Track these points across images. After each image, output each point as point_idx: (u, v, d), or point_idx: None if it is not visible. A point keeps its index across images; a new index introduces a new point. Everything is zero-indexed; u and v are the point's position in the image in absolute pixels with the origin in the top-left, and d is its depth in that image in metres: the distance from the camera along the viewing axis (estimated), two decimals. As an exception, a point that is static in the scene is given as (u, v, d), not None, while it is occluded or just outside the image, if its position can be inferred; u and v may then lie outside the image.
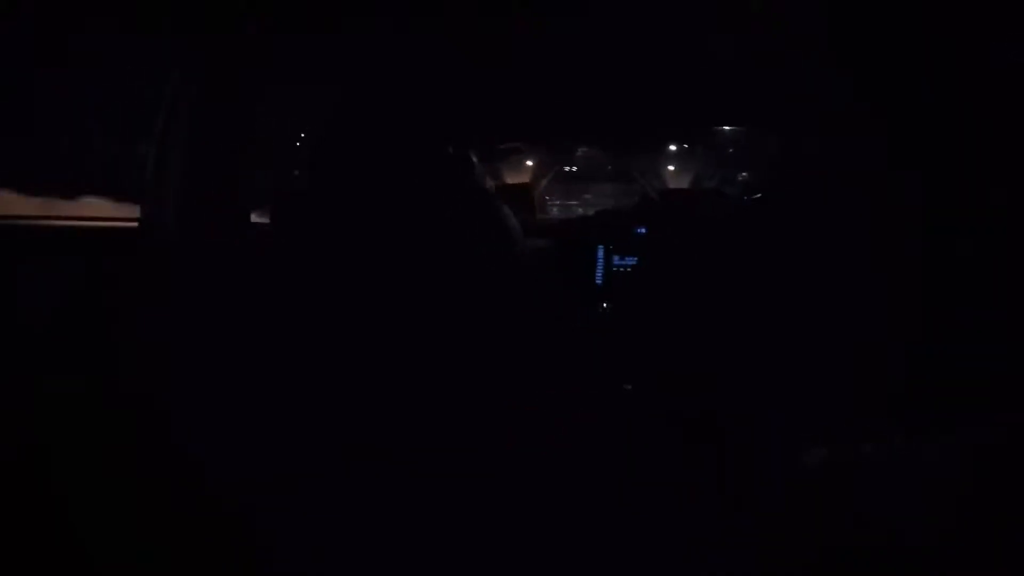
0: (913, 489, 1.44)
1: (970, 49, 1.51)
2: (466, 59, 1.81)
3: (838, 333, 1.52)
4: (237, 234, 2.34)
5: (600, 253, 3.27)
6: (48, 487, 1.87)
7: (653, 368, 1.72)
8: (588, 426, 1.72)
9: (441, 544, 1.57)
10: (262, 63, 2.35)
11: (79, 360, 2.02)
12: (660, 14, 2.14)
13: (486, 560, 1.59)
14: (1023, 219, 1.46)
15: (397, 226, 1.69)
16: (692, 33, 2.21)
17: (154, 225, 2.33)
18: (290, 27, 2.28)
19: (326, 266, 1.70)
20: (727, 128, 3.96)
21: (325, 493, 1.58)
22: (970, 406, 1.44)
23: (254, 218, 2.48)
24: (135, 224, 2.39)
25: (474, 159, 3.62)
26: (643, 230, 3.26)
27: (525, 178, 4.63)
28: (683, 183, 5.71)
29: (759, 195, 1.71)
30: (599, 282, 3.26)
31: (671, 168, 5.99)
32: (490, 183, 4.26)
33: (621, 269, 3.23)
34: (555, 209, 7.37)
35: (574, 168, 9.08)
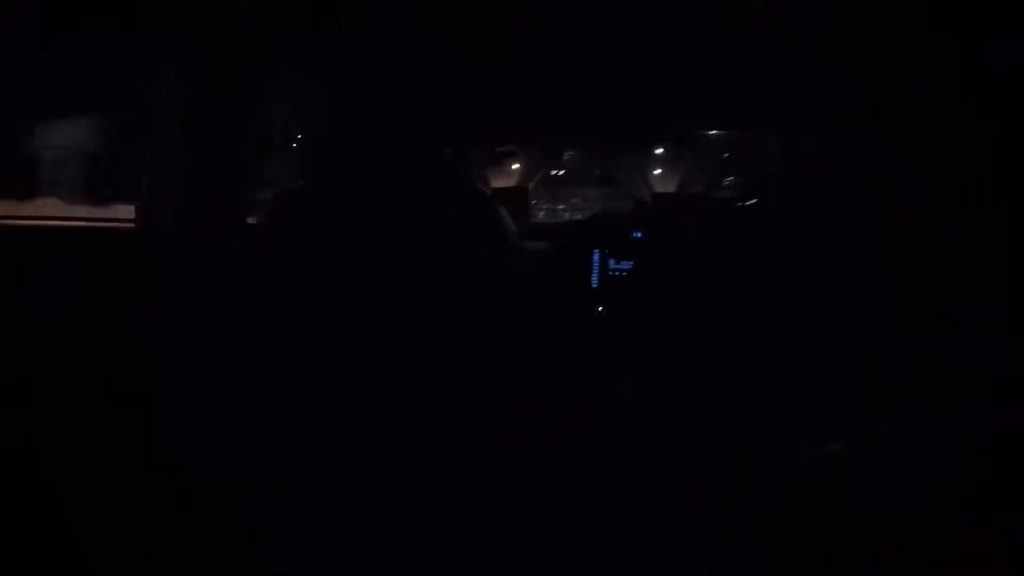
0: (913, 489, 1.41)
1: (970, 49, 1.47)
2: (466, 60, 1.75)
3: (838, 333, 1.49)
4: (236, 234, 2.31)
5: (596, 257, 3.23)
6: (48, 487, 1.85)
7: (653, 369, 1.68)
8: (588, 426, 1.69)
9: (441, 544, 1.53)
10: (261, 63, 2.33)
11: (79, 360, 2.00)
12: (660, 14, 2.13)
13: (486, 560, 1.55)
14: (1023, 219, 1.43)
15: (396, 227, 1.65)
16: (692, 33, 2.20)
17: (152, 225, 2.31)
18: (288, 27, 2.26)
19: (325, 266, 1.65)
20: (713, 132, 3.92)
21: (325, 493, 1.54)
22: (970, 406, 1.40)
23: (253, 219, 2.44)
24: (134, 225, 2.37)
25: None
26: (639, 234, 3.21)
27: (511, 181, 4.59)
28: (669, 187, 5.66)
29: (753, 200, 1.66)
30: (594, 286, 3.21)
31: (657, 172, 5.94)
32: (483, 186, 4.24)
33: (617, 273, 3.19)
34: (542, 213, 7.32)
35: (561, 172, 9.02)
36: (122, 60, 2.63)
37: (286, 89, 2.81)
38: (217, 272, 2.00)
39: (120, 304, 2.06)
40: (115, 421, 1.89)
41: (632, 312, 1.85)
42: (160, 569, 1.72)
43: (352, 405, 1.58)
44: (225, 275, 1.93)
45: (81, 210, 2.75)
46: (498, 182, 4.38)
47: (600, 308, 3.09)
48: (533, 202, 6.07)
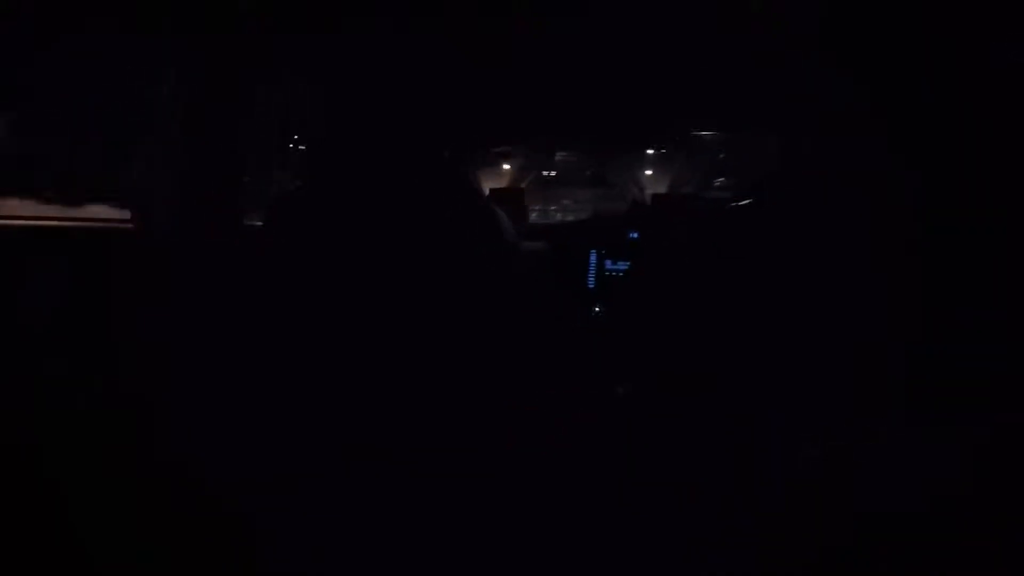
0: (913, 489, 1.38)
1: (970, 49, 1.45)
2: (465, 60, 1.74)
3: (838, 333, 1.46)
4: (235, 235, 2.30)
5: (593, 258, 3.21)
6: (48, 487, 1.84)
7: (652, 369, 1.66)
8: (588, 426, 1.68)
9: (441, 544, 1.52)
10: (260, 63, 2.32)
11: (79, 360, 1.98)
12: (660, 14, 2.12)
13: (486, 560, 1.54)
14: (1023, 219, 1.40)
15: (395, 227, 1.63)
16: (693, 34, 2.19)
17: (150, 226, 2.29)
18: (287, 27, 2.25)
19: (324, 267, 1.64)
20: (706, 133, 3.92)
21: (325, 493, 1.53)
22: (970, 406, 1.38)
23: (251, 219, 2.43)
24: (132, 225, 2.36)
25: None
26: (635, 235, 3.20)
27: (504, 182, 4.60)
28: (660, 188, 5.65)
29: (751, 200, 1.64)
30: (591, 286, 3.20)
31: (648, 173, 5.93)
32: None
33: (613, 274, 3.17)
34: (534, 214, 7.32)
35: (553, 172, 8.99)
36: (121, 60, 2.62)
37: (285, 89, 2.81)
38: (216, 272, 1.99)
39: (119, 304, 2.05)
40: (115, 421, 1.88)
41: (629, 312, 1.83)
42: (160, 569, 1.70)
43: (352, 405, 1.57)
44: (224, 275, 1.92)
45: (54, 210, 2.73)
46: (493, 183, 4.39)
47: (597, 309, 3.07)
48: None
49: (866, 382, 1.43)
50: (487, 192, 3.74)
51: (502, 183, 4.56)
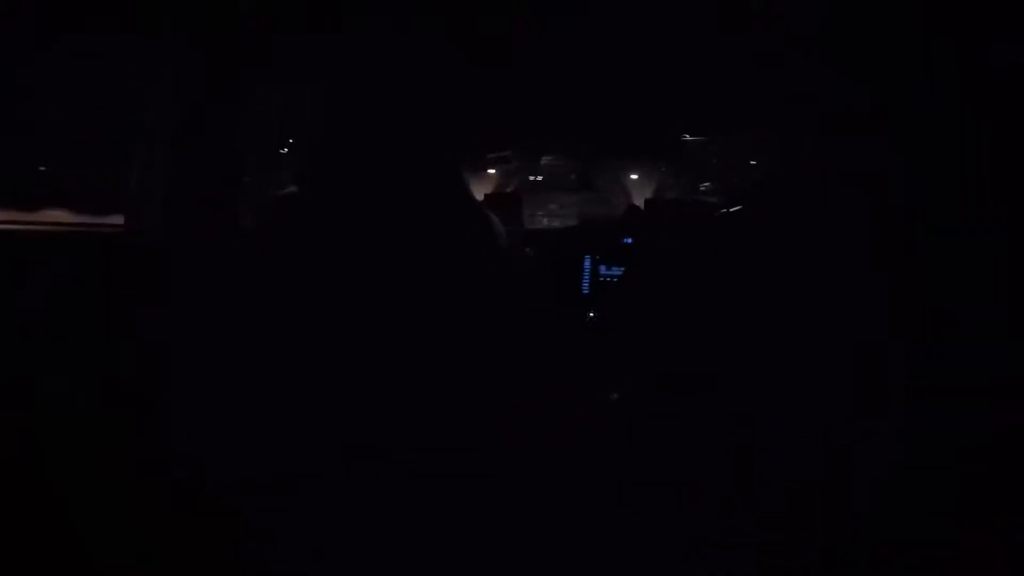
0: (913, 489, 1.34)
1: (970, 49, 1.41)
2: (465, 61, 1.73)
3: (838, 333, 1.42)
4: (234, 235, 2.28)
5: (587, 263, 3.18)
6: (48, 487, 1.83)
7: (651, 370, 1.64)
8: (588, 426, 1.64)
9: (441, 544, 1.50)
10: (260, 63, 2.30)
11: (78, 360, 1.97)
12: (659, 15, 2.13)
13: (486, 560, 1.52)
14: (1023, 219, 1.37)
15: (395, 229, 1.62)
16: (693, 34, 2.19)
17: (149, 226, 2.27)
18: (287, 27, 2.23)
19: (323, 268, 1.62)
20: (693, 139, 3.91)
21: (325, 493, 1.51)
22: (970, 406, 1.34)
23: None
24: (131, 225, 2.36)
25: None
26: (629, 240, 3.18)
27: (488, 187, 4.61)
28: (647, 192, 5.65)
29: (749, 200, 1.63)
30: (585, 292, 3.18)
31: (634, 177, 5.91)
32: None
33: (608, 279, 3.14)
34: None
35: (539, 177, 8.97)
36: (121, 60, 2.60)
37: (285, 90, 2.82)
38: (215, 273, 1.96)
39: (119, 304, 2.03)
40: (114, 421, 1.86)
41: (626, 316, 1.81)
42: (160, 569, 1.69)
43: (351, 406, 1.55)
44: (223, 276, 1.88)
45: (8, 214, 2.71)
46: (483, 188, 4.40)
47: (591, 314, 3.02)
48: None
49: (866, 382, 1.40)
50: (483, 198, 3.75)
51: (489, 188, 4.56)
